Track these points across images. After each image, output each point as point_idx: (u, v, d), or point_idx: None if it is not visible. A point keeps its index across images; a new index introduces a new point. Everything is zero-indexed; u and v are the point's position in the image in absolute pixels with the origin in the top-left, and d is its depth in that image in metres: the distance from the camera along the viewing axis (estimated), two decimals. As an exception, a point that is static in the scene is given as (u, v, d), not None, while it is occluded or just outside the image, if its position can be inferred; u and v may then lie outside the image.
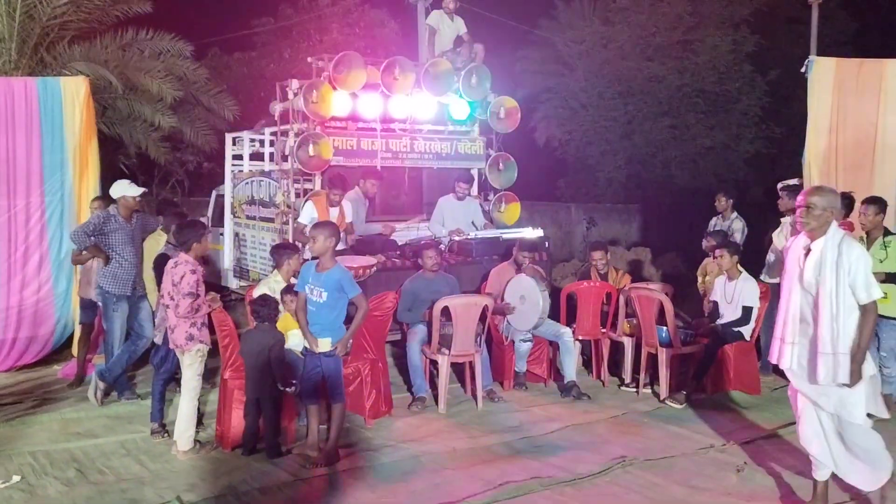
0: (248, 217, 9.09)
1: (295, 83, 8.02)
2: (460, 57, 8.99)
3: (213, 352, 6.03)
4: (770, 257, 7.72)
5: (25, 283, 7.87)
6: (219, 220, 10.04)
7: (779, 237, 7.72)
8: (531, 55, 19.93)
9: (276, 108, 8.30)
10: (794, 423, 6.26)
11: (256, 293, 6.13)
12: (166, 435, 5.92)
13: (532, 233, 8.31)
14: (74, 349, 7.75)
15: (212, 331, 5.89)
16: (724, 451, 5.76)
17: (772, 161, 17.46)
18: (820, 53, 7.73)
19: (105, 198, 7.45)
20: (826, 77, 7.43)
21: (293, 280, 6.26)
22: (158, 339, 6.06)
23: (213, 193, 10.71)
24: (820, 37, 15.46)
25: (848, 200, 6.53)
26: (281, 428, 5.81)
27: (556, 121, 19.34)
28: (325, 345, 5.44)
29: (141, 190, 6.92)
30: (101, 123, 10.32)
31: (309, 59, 8.26)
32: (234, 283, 9.45)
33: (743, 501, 4.91)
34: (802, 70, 7.55)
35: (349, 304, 5.74)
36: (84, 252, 6.96)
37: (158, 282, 6.23)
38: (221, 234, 9.80)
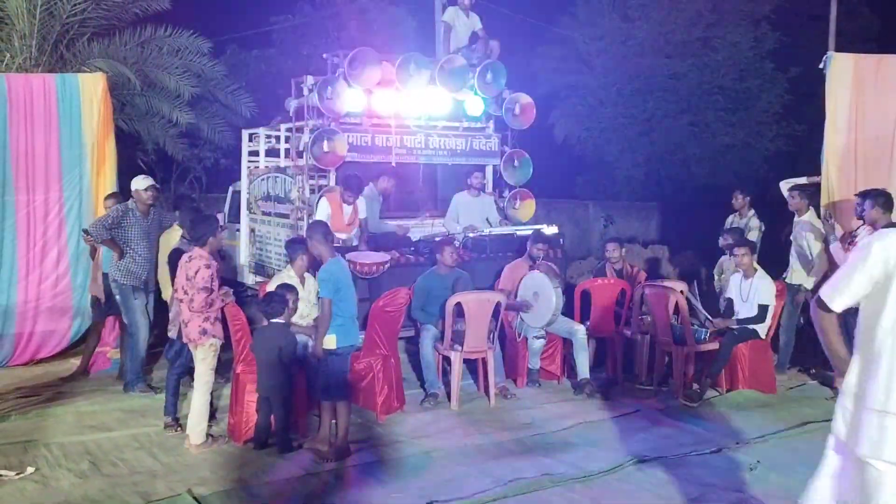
0: (263, 213, 9.13)
1: (310, 79, 8.04)
2: (475, 53, 8.96)
3: (228, 346, 6.08)
4: (797, 258, 7.60)
5: (43, 277, 7.96)
6: (235, 216, 10.09)
7: (798, 238, 7.62)
8: (550, 52, 19.85)
9: (292, 104, 8.32)
10: (810, 422, 6.30)
11: (269, 289, 6.16)
12: (179, 429, 5.96)
13: (547, 230, 8.28)
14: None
15: (225, 326, 5.93)
16: (737, 450, 5.70)
17: (792, 159, 17.28)
18: (843, 50, 7.60)
19: (118, 195, 7.52)
20: (844, 73, 7.33)
21: (307, 275, 6.29)
22: (173, 334, 6.10)
23: (230, 189, 10.77)
24: (843, 34, 15.29)
25: (884, 198, 6.28)
26: (292, 423, 5.83)
27: (575, 118, 19.25)
28: (329, 342, 5.46)
29: (147, 182, 6.94)
30: (120, 120, 10.40)
31: (324, 56, 8.28)
32: (250, 279, 9.49)
33: (755, 501, 4.86)
34: (820, 66, 7.46)
35: (361, 301, 5.74)
36: (100, 244, 7.01)
37: (173, 277, 6.28)
38: (238, 230, 9.85)
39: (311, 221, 6.77)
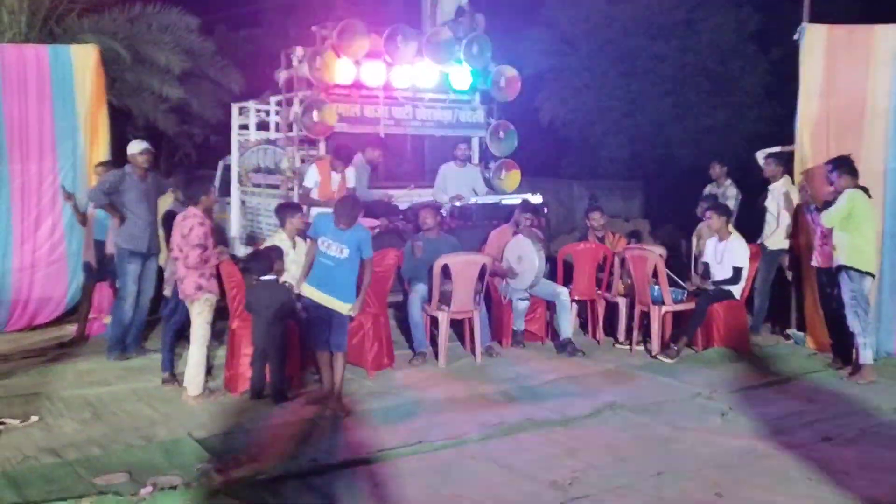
0: (254, 185, 9.30)
1: (299, 50, 8.23)
2: (462, 26, 9.14)
3: (222, 315, 6.28)
4: (771, 224, 7.87)
5: (38, 245, 8.08)
6: (226, 190, 10.23)
7: (771, 204, 7.91)
8: (535, 34, 20.01)
9: (281, 75, 8.50)
10: (780, 376, 6.60)
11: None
12: (176, 384, 6.16)
13: (532, 199, 8.51)
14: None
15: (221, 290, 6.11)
16: (710, 399, 5.98)
17: (774, 140, 17.44)
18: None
19: (109, 163, 7.67)
20: (818, 43, 7.59)
21: (298, 238, 6.47)
22: (168, 292, 6.30)
23: (220, 164, 10.90)
24: (823, 15, 15.43)
25: (848, 166, 6.62)
26: (286, 376, 6.04)
27: (560, 100, 19.43)
28: (345, 309, 5.71)
29: (142, 146, 7.04)
30: (110, 95, 10.42)
31: (313, 28, 8.44)
32: (241, 251, 9.64)
33: (726, 440, 5.13)
34: (795, 37, 7.72)
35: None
36: (96, 210, 7.16)
37: (167, 238, 6.46)
38: (228, 204, 10.00)
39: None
